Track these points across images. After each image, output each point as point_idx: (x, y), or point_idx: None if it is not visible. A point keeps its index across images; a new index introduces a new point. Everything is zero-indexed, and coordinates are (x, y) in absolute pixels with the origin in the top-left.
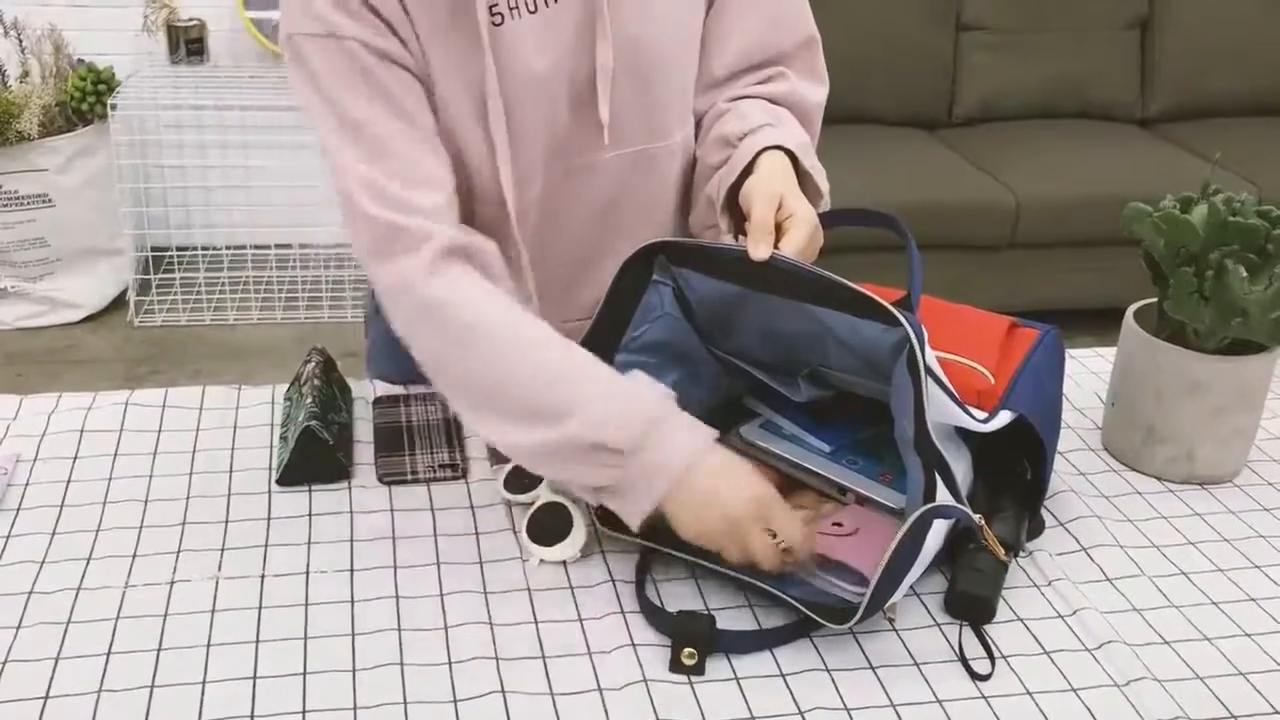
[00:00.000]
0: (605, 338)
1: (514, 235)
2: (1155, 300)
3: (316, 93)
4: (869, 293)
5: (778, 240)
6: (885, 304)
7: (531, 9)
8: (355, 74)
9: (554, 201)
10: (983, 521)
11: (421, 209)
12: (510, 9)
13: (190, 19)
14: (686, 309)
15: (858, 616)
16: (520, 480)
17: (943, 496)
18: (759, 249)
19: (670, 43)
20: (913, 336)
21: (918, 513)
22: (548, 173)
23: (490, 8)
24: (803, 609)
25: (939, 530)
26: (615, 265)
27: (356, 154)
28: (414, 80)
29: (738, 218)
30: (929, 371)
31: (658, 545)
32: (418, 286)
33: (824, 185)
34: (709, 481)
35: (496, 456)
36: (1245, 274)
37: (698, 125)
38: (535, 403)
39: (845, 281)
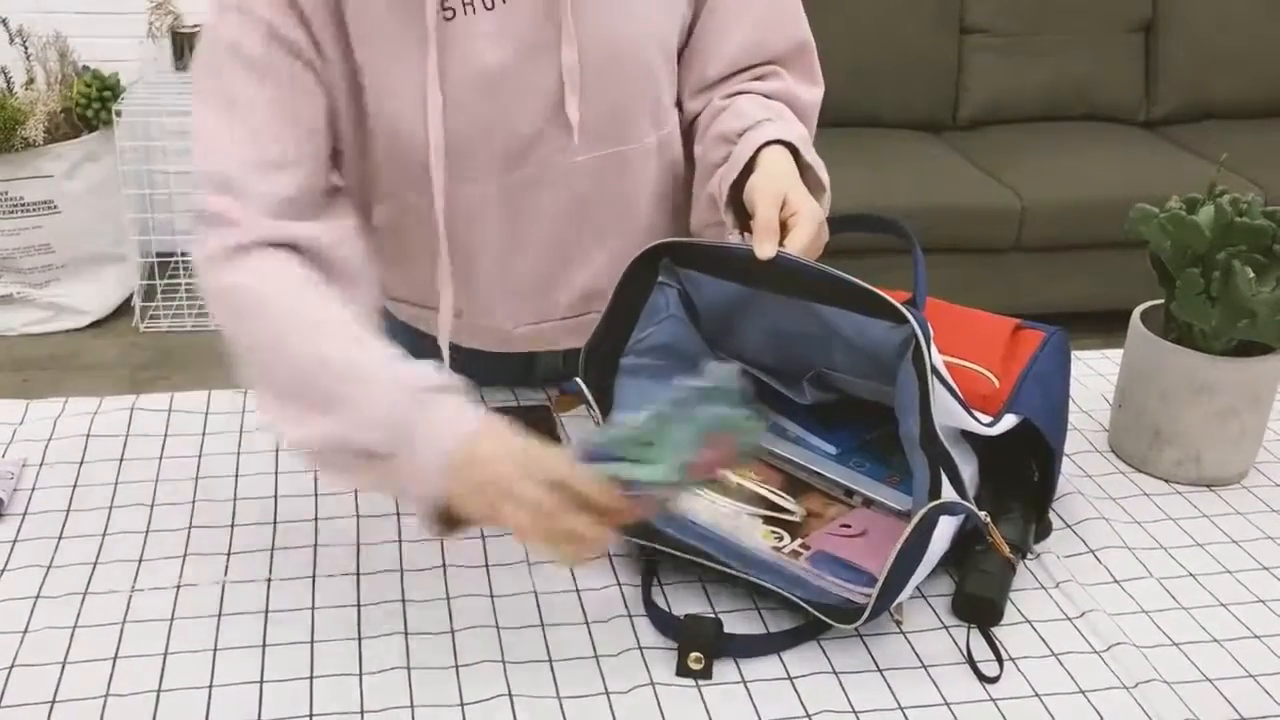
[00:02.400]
0: (611, 340)
1: (439, 229)
2: (1162, 302)
3: (211, 53)
4: (876, 290)
5: (783, 238)
6: (892, 300)
7: (488, 5)
8: (248, 51)
9: (522, 201)
10: (988, 519)
11: (253, 194)
12: (464, 4)
13: (195, 25)
14: (692, 312)
15: (865, 616)
16: None
17: (948, 494)
18: (764, 248)
19: (641, 43)
20: (919, 333)
21: (923, 510)
22: (511, 171)
23: (443, 2)
24: (810, 609)
25: (945, 529)
26: (591, 267)
27: (217, 127)
28: (308, 73)
29: (742, 215)
30: (935, 371)
31: (663, 547)
32: (216, 266)
33: (824, 177)
34: (476, 452)
35: None
36: (1252, 275)
37: (694, 124)
38: (302, 392)
39: (852, 279)
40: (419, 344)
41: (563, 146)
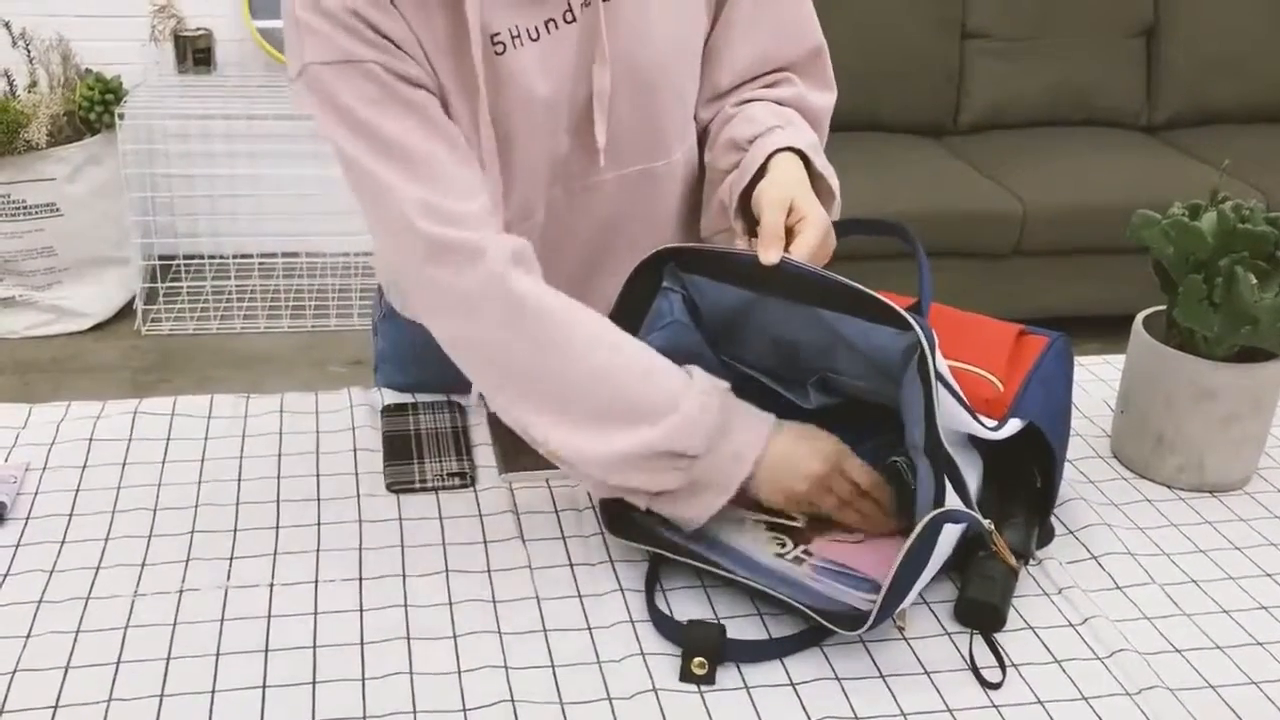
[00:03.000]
0: None
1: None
2: (1164, 308)
3: (344, 120)
4: (880, 296)
5: (789, 244)
6: (896, 308)
7: (534, 36)
8: (382, 95)
9: (556, 222)
10: (992, 526)
11: (472, 219)
12: (513, 38)
13: (197, 29)
14: (696, 316)
15: (869, 622)
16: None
17: (952, 501)
18: (769, 253)
19: (670, 63)
20: (924, 341)
21: (928, 517)
22: (549, 196)
23: (492, 37)
24: (814, 615)
25: (949, 535)
26: (618, 283)
27: (398, 173)
28: (433, 97)
29: (751, 222)
30: (939, 377)
31: (664, 551)
32: (493, 289)
33: (835, 185)
34: (782, 453)
35: (506, 464)
36: (1255, 281)
37: (705, 132)
38: (604, 409)
39: (856, 285)
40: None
41: (592, 168)
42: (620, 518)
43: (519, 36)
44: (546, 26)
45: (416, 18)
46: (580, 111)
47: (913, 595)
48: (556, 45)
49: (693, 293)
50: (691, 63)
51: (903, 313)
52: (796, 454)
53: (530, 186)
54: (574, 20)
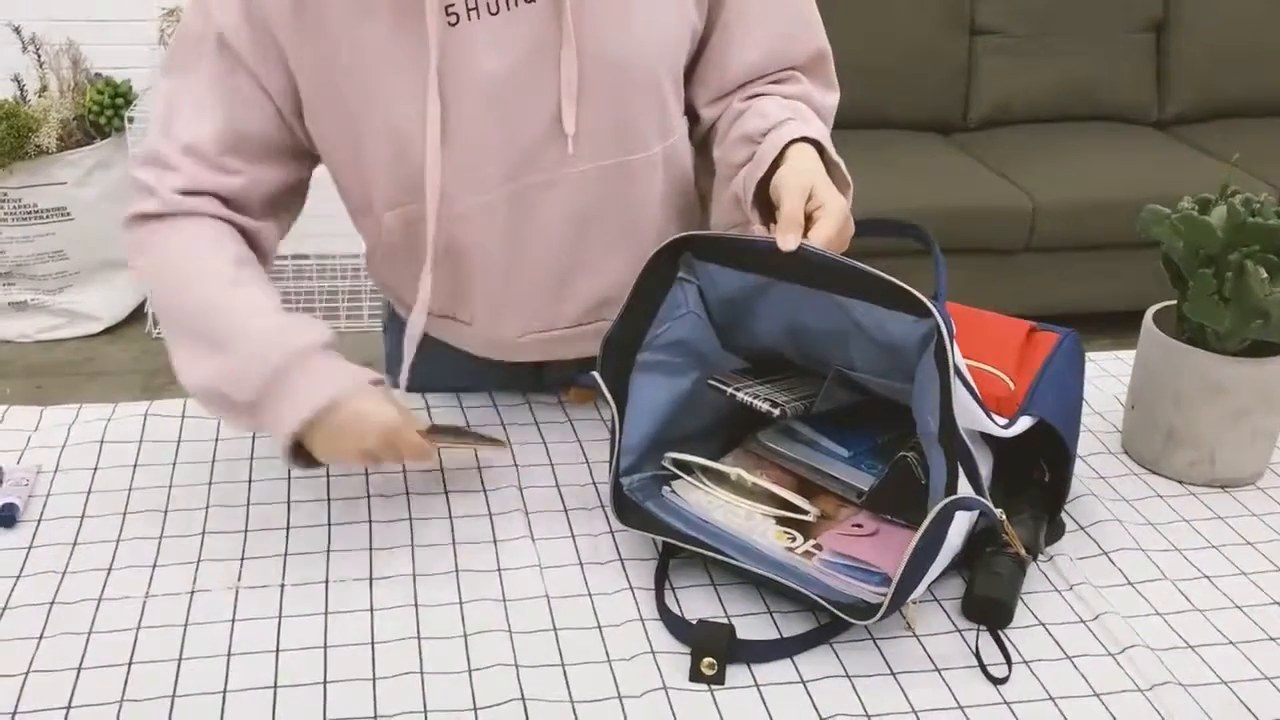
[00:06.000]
0: (629, 334)
1: (429, 232)
2: (1174, 302)
3: (180, 35)
4: (900, 283)
5: (807, 231)
6: (915, 292)
7: (492, 11)
8: (203, 45)
9: (527, 212)
10: (1003, 515)
11: (177, 175)
12: (469, 9)
13: None
14: (708, 308)
15: (881, 612)
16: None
17: (964, 489)
18: (787, 240)
19: (648, 56)
20: (942, 326)
21: (940, 504)
22: (515, 183)
23: (446, 8)
24: (826, 605)
25: (960, 525)
26: (599, 277)
27: (167, 111)
28: (255, 87)
29: (767, 214)
30: (956, 369)
31: (673, 540)
32: (138, 223)
33: (847, 174)
34: (328, 434)
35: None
36: (1265, 275)
37: (711, 130)
38: (199, 332)
39: (874, 271)
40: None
41: (563, 156)
42: (630, 507)
43: (475, 9)
44: (506, 3)
45: None
46: (549, 98)
47: (923, 586)
48: (516, 23)
49: (704, 283)
50: (673, 57)
51: (921, 297)
52: (344, 433)
53: (479, 164)
54: (534, 0)
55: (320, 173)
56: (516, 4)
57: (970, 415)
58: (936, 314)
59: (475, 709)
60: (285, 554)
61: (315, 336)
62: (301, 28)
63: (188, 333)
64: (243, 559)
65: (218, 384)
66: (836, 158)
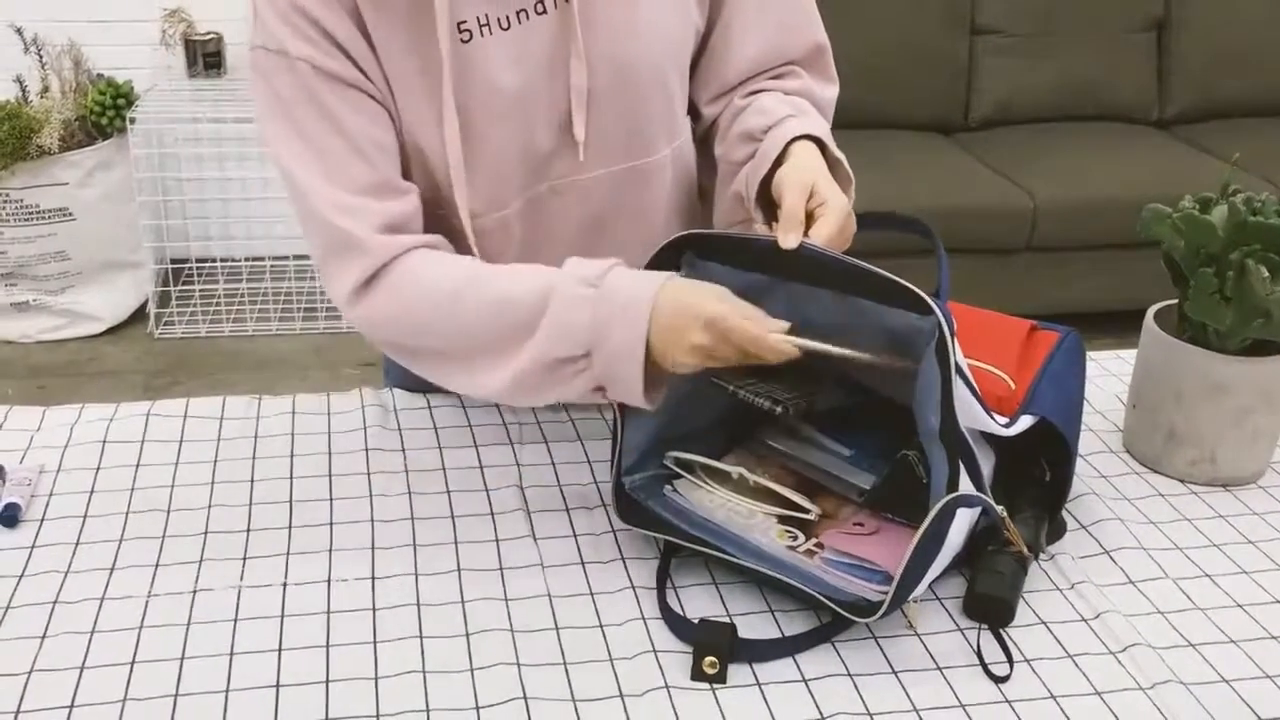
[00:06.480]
0: None
1: (470, 249)
2: (1175, 302)
3: (271, 105)
4: (900, 280)
5: (808, 229)
6: (916, 290)
7: (504, 26)
8: (303, 93)
9: (540, 218)
10: (1004, 513)
11: (370, 214)
12: (480, 26)
13: (208, 33)
14: None
15: (883, 610)
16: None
17: (966, 487)
18: (788, 238)
19: (656, 60)
20: (943, 323)
21: (942, 502)
22: (529, 191)
23: (459, 24)
24: (828, 603)
25: (962, 522)
26: None
27: (306, 167)
28: (365, 98)
29: (770, 211)
30: (957, 368)
31: (675, 539)
32: (374, 283)
33: (849, 171)
34: (668, 324)
35: None
36: (1266, 274)
37: (712, 127)
38: (487, 342)
39: (876, 269)
40: None
41: (575, 164)
42: (631, 506)
43: (487, 25)
44: (518, 17)
45: (373, 13)
46: (560, 107)
47: (924, 585)
48: (528, 36)
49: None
50: (680, 60)
51: (923, 295)
52: (676, 328)
53: (500, 179)
54: (545, 12)
55: None
56: (528, 17)
57: (971, 414)
58: (938, 311)
59: (477, 708)
60: (287, 553)
61: (605, 261)
62: (361, 38)
63: (479, 348)
64: (245, 558)
65: (544, 355)
66: (839, 154)
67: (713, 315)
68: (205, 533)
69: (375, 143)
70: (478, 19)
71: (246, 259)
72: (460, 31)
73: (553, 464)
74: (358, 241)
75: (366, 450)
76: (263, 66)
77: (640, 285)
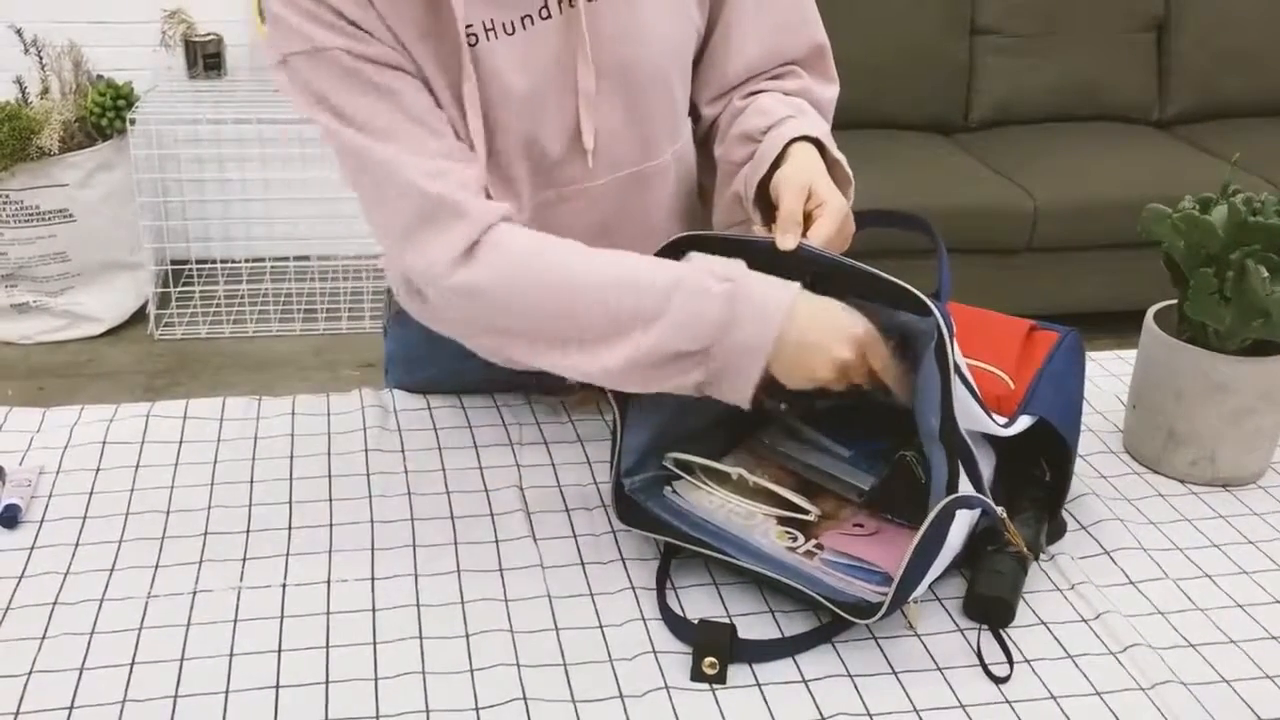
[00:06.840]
0: None
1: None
2: (1175, 302)
3: (322, 104)
4: (899, 281)
5: (806, 230)
6: (915, 291)
7: (509, 31)
8: (349, 81)
9: (547, 225)
10: (1004, 513)
11: (462, 180)
12: (486, 30)
13: (208, 34)
14: None
15: (883, 611)
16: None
17: (965, 488)
18: (786, 239)
19: (659, 62)
20: (942, 325)
21: (942, 503)
22: (538, 197)
23: (465, 29)
24: (827, 604)
25: (962, 523)
26: None
27: (385, 142)
28: (407, 76)
29: (768, 212)
30: (956, 368)
31: (675, 540)
32: (477, 250)
33: (849, 171)
34: (805, 336)
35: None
36: (1266, 274)
37: (712, 127)
38: (599, 326)
39: (874, 270)
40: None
41: (584, 171)
42: (631, 507)
43: (493, 30)
44: (523, 22)
45: (386, 5)
46: (567, 111)
47: (924, 585)
48: (533, 41)
49: None
50: (682, 61)
51: (921, 296)
52: (820, 338)
53: (508, 183)
54: (549, 17)
55: (325, 174)
56: (532, 22)
57: (970, 416)
58: (936, 312)
59: (477, 709)
60: (287, 554)
61: (736, 261)
62: (386, 32)
63: (590, 331)
64: (245, 559)
65: (664, 345)
66: (838, 154)
67: (861, 335)
68: (205, 534)
69: (433, 112)
70: (484, 24)
71: (246, 260)
72: (467, 35)
73: (552, 465)
74: (456, 205)
75: (366, 451)
76: (299, 72)
77: (778, 288)
